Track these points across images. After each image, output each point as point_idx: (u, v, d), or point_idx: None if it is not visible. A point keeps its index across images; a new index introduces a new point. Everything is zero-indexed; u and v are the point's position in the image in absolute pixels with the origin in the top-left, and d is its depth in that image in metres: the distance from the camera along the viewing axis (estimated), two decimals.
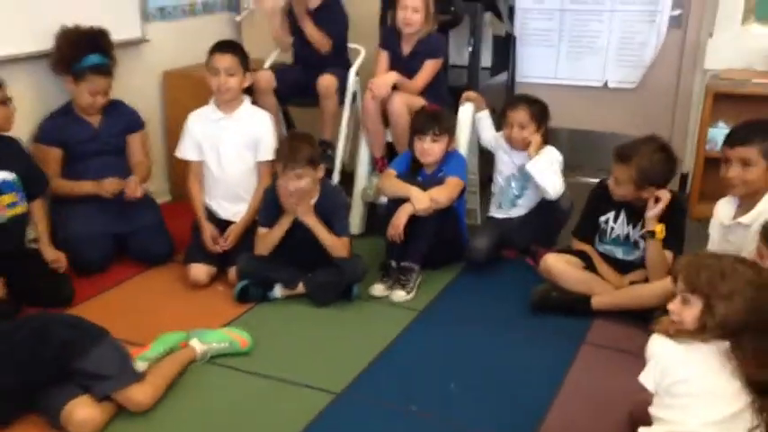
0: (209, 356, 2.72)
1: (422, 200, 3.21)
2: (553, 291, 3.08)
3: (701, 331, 1.85)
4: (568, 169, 3.65)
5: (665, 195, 2.91)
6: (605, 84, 4.54)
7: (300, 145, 3.11)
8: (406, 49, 3.72)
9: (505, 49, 4.55)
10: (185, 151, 3.46)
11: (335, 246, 3.15)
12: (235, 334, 2.81)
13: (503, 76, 4.56)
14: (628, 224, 3.10)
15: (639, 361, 2.61)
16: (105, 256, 3.43)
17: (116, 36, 3.71)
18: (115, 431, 2.34)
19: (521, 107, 3.48)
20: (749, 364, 1.78)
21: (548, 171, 3.38)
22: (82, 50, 3.39)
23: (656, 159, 2.94)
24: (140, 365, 2.51)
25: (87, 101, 3.42)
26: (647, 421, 1.97)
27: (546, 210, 3.46)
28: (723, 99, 3.91)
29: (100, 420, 2.32)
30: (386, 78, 3.65)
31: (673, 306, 1.94)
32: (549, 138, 3.56)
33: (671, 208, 2.93)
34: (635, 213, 3.05)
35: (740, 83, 3.92)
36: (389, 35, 3.78)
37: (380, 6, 4.11)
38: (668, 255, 2.93)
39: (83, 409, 2.29)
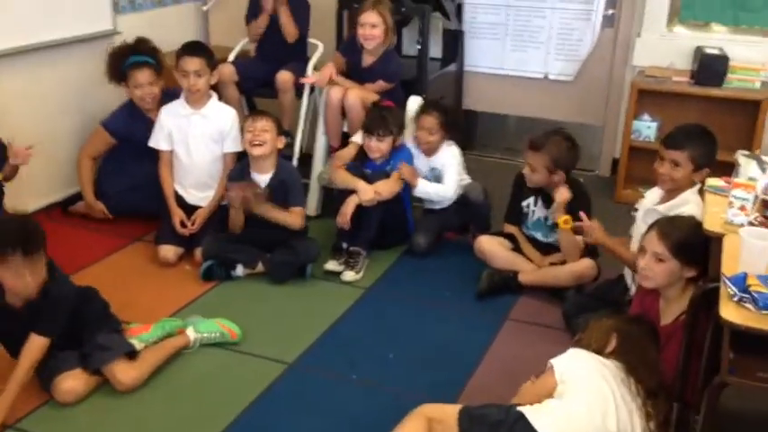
0: (198, 344, 2.97)
1: (367, 192, 3.55)
2: (494, 275, 3.43)
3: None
4: (512, 153, 3.91)
5: (562, 194, 3.29)
6: (546, 75, 4.87)
7: (263, 112, 3.54)
8: (366, 61, 3.99)
9: (455, 41, 4.85)
10: (157, 142, 3.77)
11: (290, 220, 3.49)
12: (226, 326, 3.02)
13: (452, 67, 4.87)
14: (546, 207, 3.47)
15: (551, 332, 3.12)
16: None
17: (88, 29, 4.03)
18: (92, 399, 2.68)
19: (432, 114, 3.72)
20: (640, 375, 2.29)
21: (427, 186, 3.74)
22: (125, 56, 3.79)
23: (564, 147, 3.32)
24: (137, 344, 2.80)
25: (136, 95, 3.80)
26: None
27: (464, 203, 3.79)
28: (647, 94, 4.28)
29: (81, 391, 2.65)
30: (326, 71, 3.99)
31: None
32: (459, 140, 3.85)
33: (576, 197, 3.32)
34: (550, 197, 3.41)
35: (661, 80, 4.28)
36: (351, 45, 4.03)
37: (336, 6, 4.37)
38: (580, 239, 3.30)
39: (69, 381, 2.62)
